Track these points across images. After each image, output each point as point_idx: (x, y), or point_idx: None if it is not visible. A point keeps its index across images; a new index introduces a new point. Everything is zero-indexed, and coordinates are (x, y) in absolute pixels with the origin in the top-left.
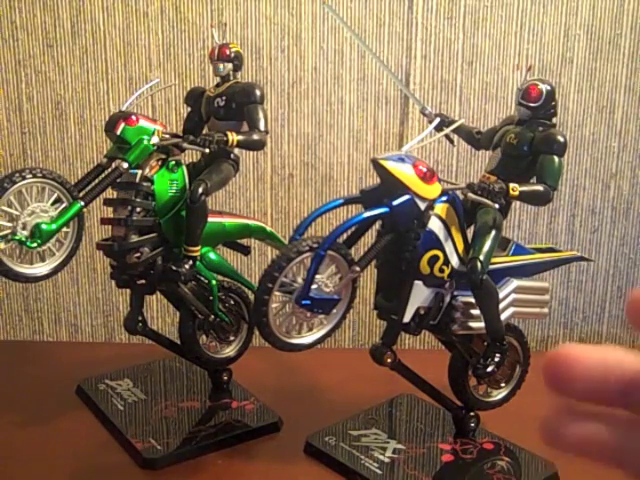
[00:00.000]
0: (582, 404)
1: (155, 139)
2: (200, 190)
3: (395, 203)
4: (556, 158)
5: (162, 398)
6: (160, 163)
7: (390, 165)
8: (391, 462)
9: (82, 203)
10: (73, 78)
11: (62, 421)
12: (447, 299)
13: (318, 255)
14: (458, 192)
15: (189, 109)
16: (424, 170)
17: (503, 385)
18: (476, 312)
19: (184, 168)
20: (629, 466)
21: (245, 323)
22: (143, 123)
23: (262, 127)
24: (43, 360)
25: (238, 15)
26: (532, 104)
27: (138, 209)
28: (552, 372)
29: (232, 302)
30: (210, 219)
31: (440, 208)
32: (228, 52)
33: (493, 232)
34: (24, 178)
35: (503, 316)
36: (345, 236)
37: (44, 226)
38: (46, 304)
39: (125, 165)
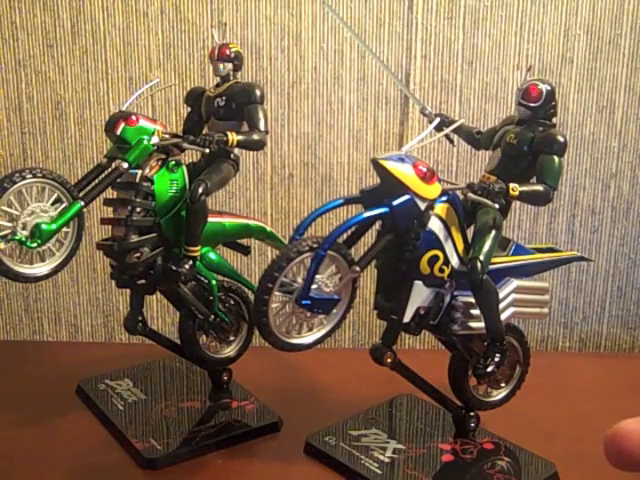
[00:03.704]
0: None
1: (155, 139)
2: (200, 190)
3: (395, 203)
4: (556, 158)
5: (162, 398)
6: (160, 163)
7: (390, 165)
8: (391, 462)
9: (82, 203)
10: (73, 78)
11: (62, 421)
12: (447, 299)
13: (318, 255)
14: (458, 192)
15: (189, 109)
16: (424, 170)
17: (503, 385)
18: (476, 312)
19: (184, 168)
20: None
21: (245, 323)
22: (143, 123)
23: (262, 127)
24: (43, 360)
25: (238, 15)
26: (532, 104)
27: (138, 209)
28: (612, 451)
29: (232, 302)
30: (210, 219)
31: (440, 208)
32: (228, 52)
33: (493, 232)
34: (24, 178)
35: (503, 316)
36: (345, 236)
37: (44, 226)
38: (46, 304)
39: (125, 165)
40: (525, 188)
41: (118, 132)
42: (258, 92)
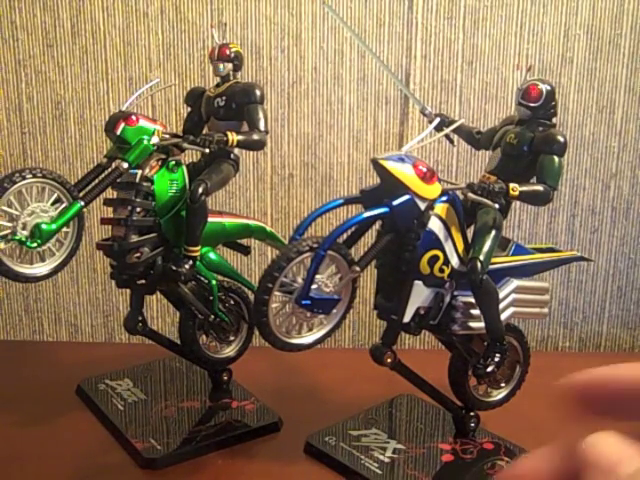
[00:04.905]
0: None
1: (155, 139)
2: (200, 190)
3: (395, 203)
4: (556, 158)
5: (162, 398)
6: (160, 163)
7: (390, 165)
8: (391, 462)
9: (82, 203)
10: (73, 78)
11: (62, 421)
12: (447, 299)
13: (318, 255)
14: (458, 192)
15: (189, 109)
16: (424, 170)
17: (503, 385)
18: (476, 312)
19: (184, 168)
20: None
21: (245, 323)
22: (143, 123)
23: (262, 127)
24: (43, 360)
25: (238, 15)
26: (532, 104)
27: (138, 209)
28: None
29: (232, 302)
30: (210, 219)
31: (440, 208)
32: (228, 52)
33: (493, 232)
34: (24, 178)
35: (503, 316)
36: (345, 236)
37: (44, 226)
38: (46, 304)
39: (125, 165)
40: (525, 188)
41: (118, 132)
42: (258, 92)
